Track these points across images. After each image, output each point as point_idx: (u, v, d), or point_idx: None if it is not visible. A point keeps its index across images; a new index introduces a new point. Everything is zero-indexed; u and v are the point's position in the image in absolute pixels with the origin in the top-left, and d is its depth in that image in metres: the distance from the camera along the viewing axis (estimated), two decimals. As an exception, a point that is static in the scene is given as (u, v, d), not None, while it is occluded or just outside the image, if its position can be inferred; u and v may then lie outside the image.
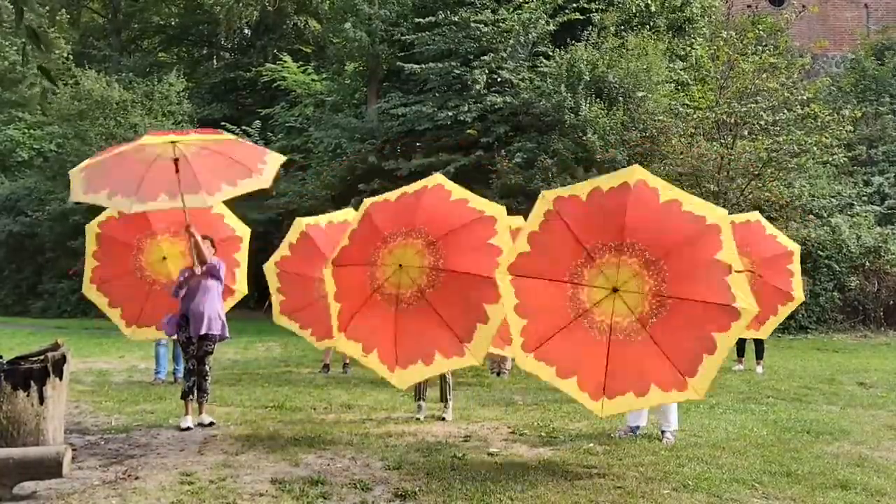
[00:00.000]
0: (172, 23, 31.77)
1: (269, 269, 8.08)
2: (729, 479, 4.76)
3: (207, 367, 6.29)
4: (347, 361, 9.63)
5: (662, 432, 5.83)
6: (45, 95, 23.73)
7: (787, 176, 16.10)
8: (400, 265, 5.60)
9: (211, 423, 6.17)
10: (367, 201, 5.93)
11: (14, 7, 3.53)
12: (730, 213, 8.34)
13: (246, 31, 28.72)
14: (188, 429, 6.02)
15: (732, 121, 16.08)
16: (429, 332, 5.52)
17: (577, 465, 5.07)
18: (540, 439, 5.82)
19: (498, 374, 9.16)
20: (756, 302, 4.86)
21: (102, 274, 7.23)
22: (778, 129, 15.86)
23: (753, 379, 9.10)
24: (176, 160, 5.93)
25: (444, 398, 6.65)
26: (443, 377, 6.59)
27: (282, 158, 6.46)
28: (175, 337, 8.17)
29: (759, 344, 9.86)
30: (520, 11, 18.43)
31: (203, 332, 6.18)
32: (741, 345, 10.07)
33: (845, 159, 17.53)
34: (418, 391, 6.70)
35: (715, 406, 7.23)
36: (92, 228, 7.30)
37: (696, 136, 16.26)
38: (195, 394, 6.23)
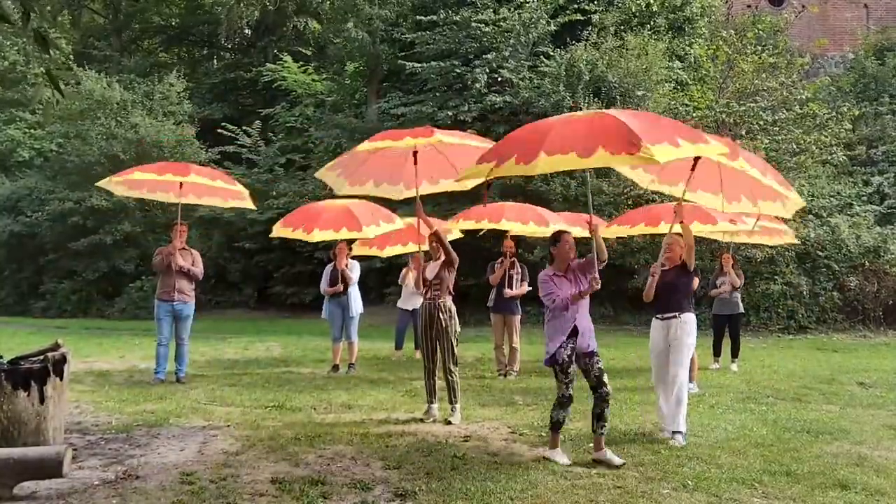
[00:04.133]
0: (173, 23, 31.80)
1: None
2: (729, 479, 4.77)
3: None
4: (353, 362, 9.65)
5: (674, 433, 5.76)
6: (51, 102, 23.76)
7: (787, 175, 16.09)
8: None
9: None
10: None
11: (21, 10, 3.52)
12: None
13: (246, 31, 28.74)
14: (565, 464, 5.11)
15: (732, 120, 16.09)
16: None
17: (577, 465, 5.07)
18: (540, 439, 5.82)
19: (504, 375, 9.16)
20: None
21: None
22: (777, 128, 15.87)
23: (753, 379, 9.11)
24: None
25: (451, 401, 6.63)
26: (447, 378, 6.59)
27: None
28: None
29: (735, 342, 10.09)
30: (520, 11, 18.44)
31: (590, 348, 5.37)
32: (718, 344, 10.16)
33: (844, 159, 17.54)
34: (429, 392, 6.69)
35: (715, 406, 7.25)
36: None
37: (696, 136, 16.25)
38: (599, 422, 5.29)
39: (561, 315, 5.21)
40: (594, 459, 5.14)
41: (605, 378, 5.22)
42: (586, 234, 10.35)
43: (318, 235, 9.08)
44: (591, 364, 5.24)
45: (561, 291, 5.22)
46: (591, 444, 5.62)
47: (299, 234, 9.22)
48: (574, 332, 5.19)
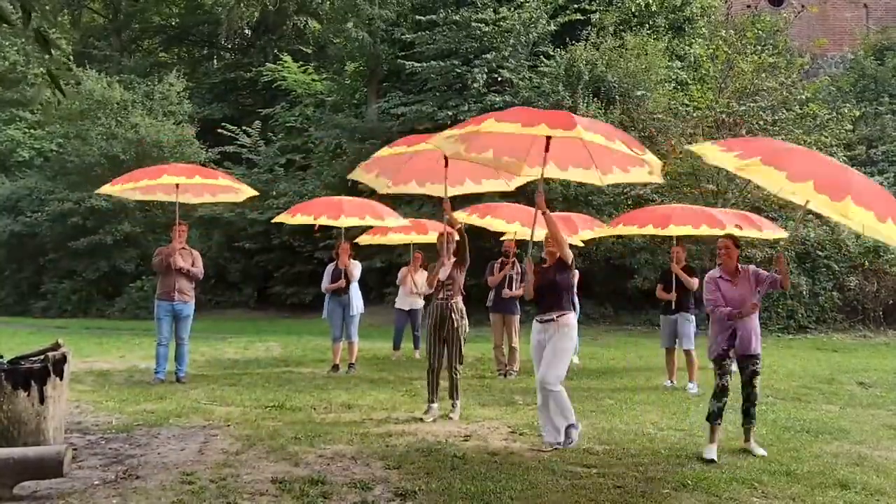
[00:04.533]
0: (173, 23, 31.81)
1: None
2: (728, 479, 4.77)
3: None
4: (353, 362, 9.66)
5: (568, 428, 5.52)
6: (51, 102, 23.72)
7: (787, 175, 16.07)
8: None
9: (763, 455, 5.40)
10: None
11: (21, 9, 3.51)
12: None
13: (246, 31, 28.75)
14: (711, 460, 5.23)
15: (732, 120, 16.08)
16: None
17: (577, 465, 5.08)
18: (540, 439, 5.82)
19: (504, 375, 9.17)
20: None
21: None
22: (777, 128, 15.87)
23: (753, 379, 9.11)
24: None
25: (452, 396, 6.66)
26: (451, 376, 6.61)
27: None
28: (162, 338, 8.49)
29: None
30: (520, 11, 18.45)
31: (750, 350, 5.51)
32: None
33: (845, 158, 17.54)
34: (431, 391, 6.70)
35: (714, 406, 7.24)
36: None
37: (696, 136, 16.26)
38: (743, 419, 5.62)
39: (722, 317, 5.43)
40: (742, 448, 5.53)
41: (756, 381, 5.50)
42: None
43: (346, 221, 9.56)
44: (747, 365, 5.48)
45: (722, 298, 5.42)
46: (591, 444, 5.65)
47: (326, 221, 9.61)
48: (734, 335, 5.40)
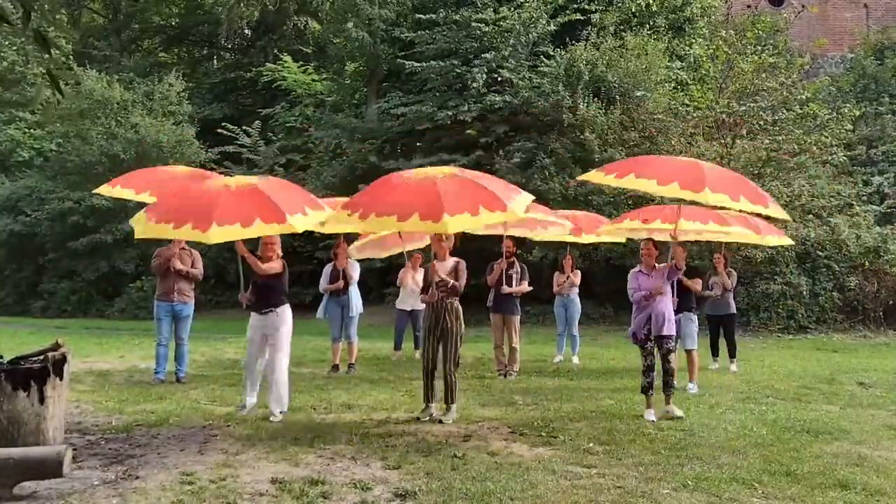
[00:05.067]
0: (173, 23, 31.81)
1: None
2: (729, 479, 4.77)
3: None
4: (353, 362, 9.66)
5: (281, 413, 6.64)
6: (51, 103, 23.73)
7: (787, 176, 16.09)
8: None
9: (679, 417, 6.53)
10: None
11: (21, 9, 3.51)
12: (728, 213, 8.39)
13: (246, 31, 28.74)
14: (651, 421, 6.44)
15: (732, 120, 16.09)
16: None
17: (577, 465, 5.07)
18: (540, 439, 5.82)
19: (505, 375, 9.17)
20: None
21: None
22: (777, 128, 15.87)
23: (753, 379, 9.11)
24: None
25: (447, 400, 6.63)
26: (446, 378, 6.60)
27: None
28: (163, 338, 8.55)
29: (730, 343, 10.00)
30: (520, 11, 18.46)
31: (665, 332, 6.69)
32: (715, 344, 10.15)
33: (845, 159, 17.54)
34: (427, 392, 6.69)
35: (715, 406, 7.25)
36: None
37: (696, 136, 16.27)
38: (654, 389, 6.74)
39: (640, 304, 6.70)
40: (664, 412, 6.61)
41: (671, 357, 6.70)
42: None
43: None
44: (662, 344, 6.67)
45: (641, 287, 6.68)
46: (591, 444, 5.65)
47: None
48: (649, 319, 6.62)
